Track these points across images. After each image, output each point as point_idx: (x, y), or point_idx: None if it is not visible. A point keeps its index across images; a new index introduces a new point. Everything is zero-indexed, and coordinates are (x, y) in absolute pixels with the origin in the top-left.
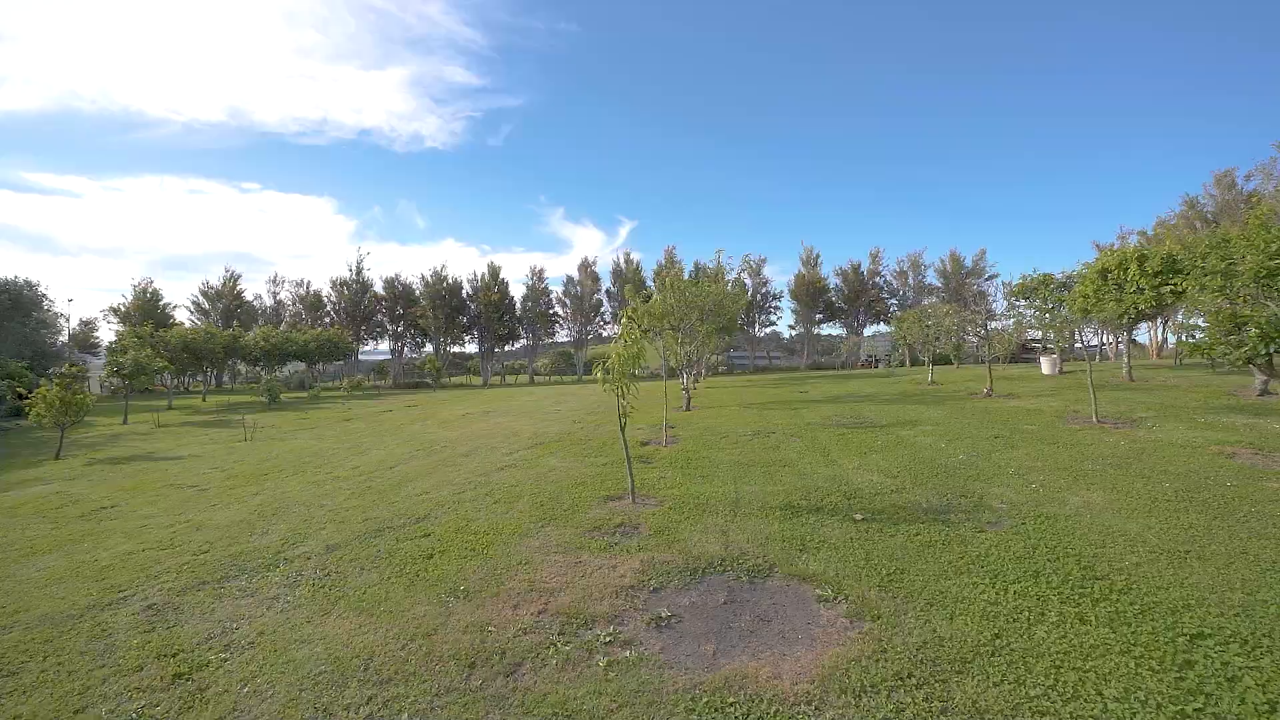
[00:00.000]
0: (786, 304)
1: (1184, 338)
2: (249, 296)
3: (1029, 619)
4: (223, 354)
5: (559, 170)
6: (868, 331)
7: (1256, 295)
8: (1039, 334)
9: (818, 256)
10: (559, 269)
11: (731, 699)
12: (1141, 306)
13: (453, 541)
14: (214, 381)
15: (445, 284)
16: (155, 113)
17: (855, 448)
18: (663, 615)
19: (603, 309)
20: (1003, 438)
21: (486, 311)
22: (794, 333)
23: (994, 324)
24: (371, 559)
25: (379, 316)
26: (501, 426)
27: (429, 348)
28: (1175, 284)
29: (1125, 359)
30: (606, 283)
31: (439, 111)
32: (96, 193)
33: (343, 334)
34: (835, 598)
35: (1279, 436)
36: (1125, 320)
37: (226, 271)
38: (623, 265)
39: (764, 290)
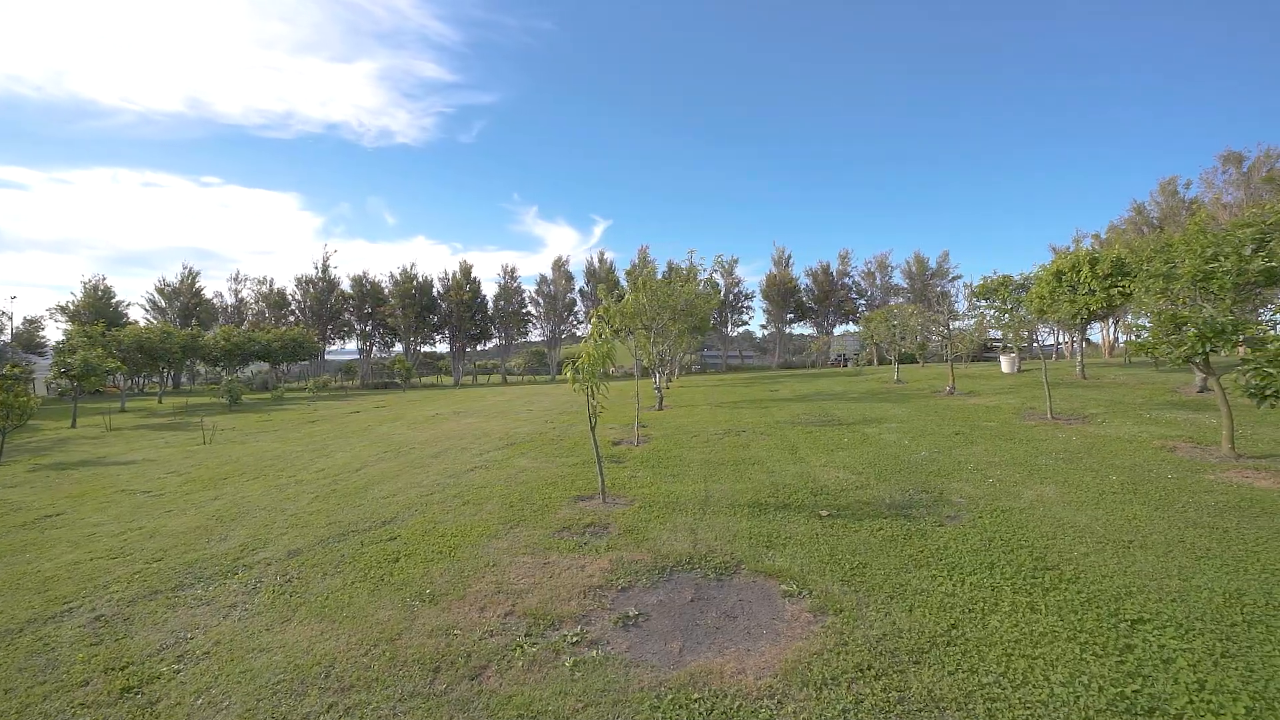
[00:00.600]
0: (758, 304)
1: (1131, 337)
2: (209, 294)
3: (984, 609)
4: (180, 354)
5: (533, 168)
6: (837, 331)
7: (1194, 297)
8: (999, 333)
9: (789, 257)
10: (533, 268)
11: (696, 695)
12: (1093, 307)
13: (419, 544)
14: (171, 383)
15: (415, 282)
16: (108, 101)
17: (822, 445)
18: (630, 614)
19: (576, 308)
20: (963, 434)
21: (458, 310)
22: (766, 332)
23: (956, 324)
24: (335, 564)
25: (346, 315)
26: (472, 427)
27: (398, 347)
28: (1123, 286)
29: (1079, 358)
30: (580, 282)
31: (409, 107)
32: (44, 185)
33: (308, 333)
34: (800, 593)
35: (1215, 430)
36: (1078, 320)
37: (185, 268)
38: (596, 264)
39: (736, 290)
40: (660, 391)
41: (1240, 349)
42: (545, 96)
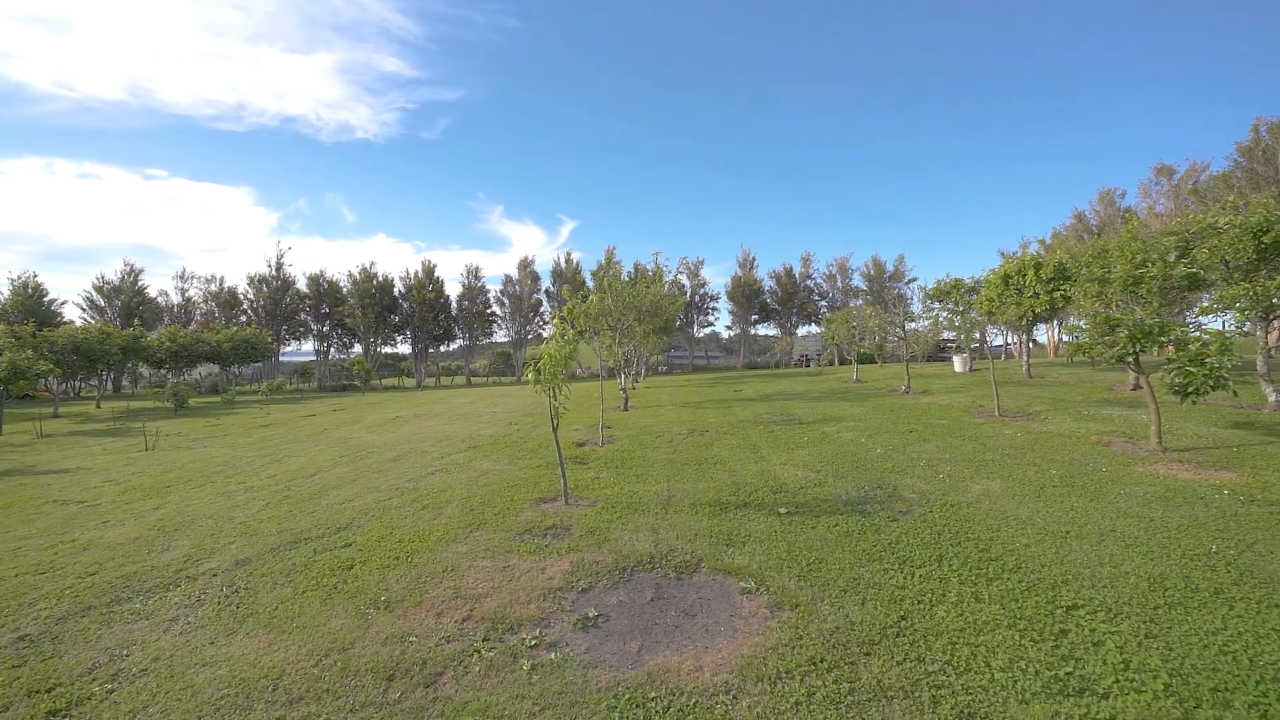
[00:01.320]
0: (724, 305)
1: (1071, 338)
2: (153, 293)
3: (931, 600)
4: (121, 356)
5: (499, 167)
6: (800, 332)
7: (1126, 301)
8: (952, 334)
9: (754, 259)
10: (499, 267)
11: (653, 694)
12: (1037, 309)
13: (375, 551)
14: (111, 386)
15: (375, 281)
16: (40, 86)
17: (783, 444)
18: (590, 615)
19: (542, 309)
20: (916, 432)
21: (420, 311)
22: (731, 333)
23: (912, 325)
24: (285, 573)
25: (302, 315)
26: (433, 430)
27: (358, 349)
28: (1064, 290)
29: (1025, 357)
30: (547, 282)
31: (370, 101)
32: None
33: (261, 334)
34: (758, 589)
35: (1145, 426)
36: (1024, 321)
37: (126, 265)
38: (563, 265)
39: (702, 291)
40: (626, 392)
41: (1168, 349)
42: (512, 95)
